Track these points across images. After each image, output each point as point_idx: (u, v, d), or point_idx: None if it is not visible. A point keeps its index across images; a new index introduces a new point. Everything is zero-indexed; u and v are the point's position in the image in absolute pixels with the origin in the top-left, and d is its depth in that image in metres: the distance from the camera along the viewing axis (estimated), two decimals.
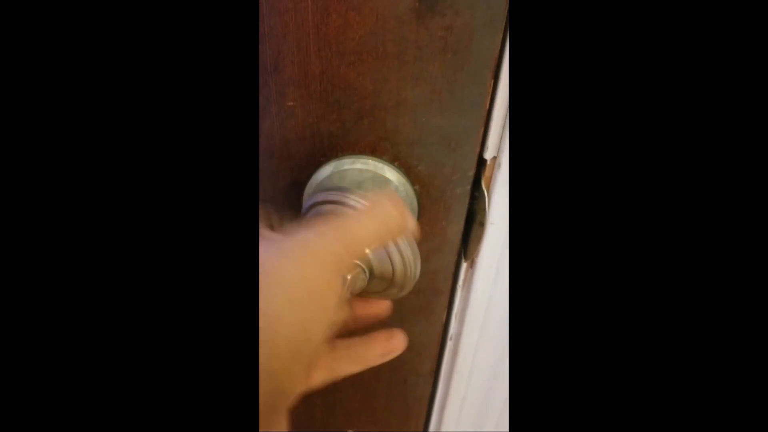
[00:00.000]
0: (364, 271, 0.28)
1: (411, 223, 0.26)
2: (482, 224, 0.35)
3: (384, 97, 0.30)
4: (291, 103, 0.30)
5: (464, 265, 0.39)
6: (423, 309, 0.42)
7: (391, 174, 0.33)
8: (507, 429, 0.51)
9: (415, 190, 0.34)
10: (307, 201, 0.30)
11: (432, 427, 0.52)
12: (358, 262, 0.28)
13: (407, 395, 0.50)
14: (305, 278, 0.20)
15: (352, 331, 0.28)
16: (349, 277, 0.27)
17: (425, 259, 0.39)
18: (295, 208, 0.35)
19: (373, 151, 0.32)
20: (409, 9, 0.27)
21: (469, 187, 0.34)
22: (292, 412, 0.21)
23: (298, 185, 0.34)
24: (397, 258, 0.28)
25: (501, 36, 0.28)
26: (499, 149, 0.32)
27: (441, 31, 0.27)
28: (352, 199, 0.28)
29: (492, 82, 0.30)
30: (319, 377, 0.26)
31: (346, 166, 0.32)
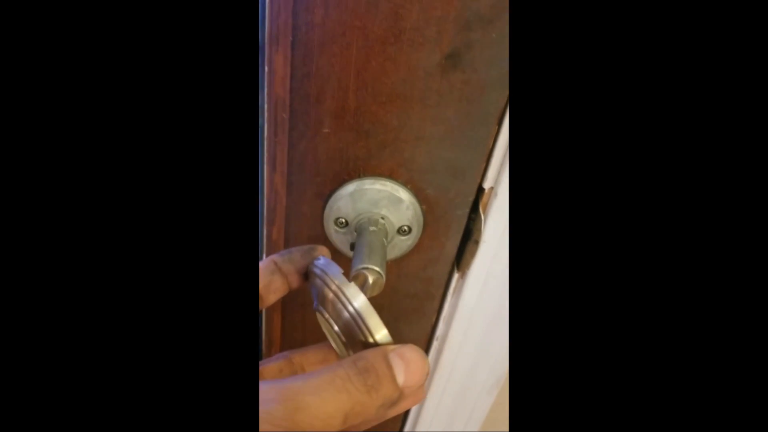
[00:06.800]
0: (381, 276, 0.33)
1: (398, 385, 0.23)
2: (477, 242, 0.41)
3: (406, 132, 0.36)
4: (327, 131, 0.36)
5: (456, 275, 0.45)
6: (416, 311, 0.48)
7: (404, 194, 0.38)
8: (480, 422, 0.57)
9: (422, 209, 0.40)
10: (315, 261, 0.30)
11: (411, 416, 0.58)
12: (376, 268, 0.33)
13: None
14: None
15: None
16: (370, 281, 0.32)
17: (423, 267, 0.44)
18: (314, 215, 0.41)
19: (391, 175, 0.38)
20: (436, 64, 0.33)
21: (468, 210, 0.40)
22: None
23: (321, 197, 0.39)
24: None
25: (507, 91, 0.34)
26: (496, 181, 0.38)
27: (460, 83, 0.33)
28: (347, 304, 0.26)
29: (496, 127, 0.35)
30: None
31: (367, 186, 0.38)
